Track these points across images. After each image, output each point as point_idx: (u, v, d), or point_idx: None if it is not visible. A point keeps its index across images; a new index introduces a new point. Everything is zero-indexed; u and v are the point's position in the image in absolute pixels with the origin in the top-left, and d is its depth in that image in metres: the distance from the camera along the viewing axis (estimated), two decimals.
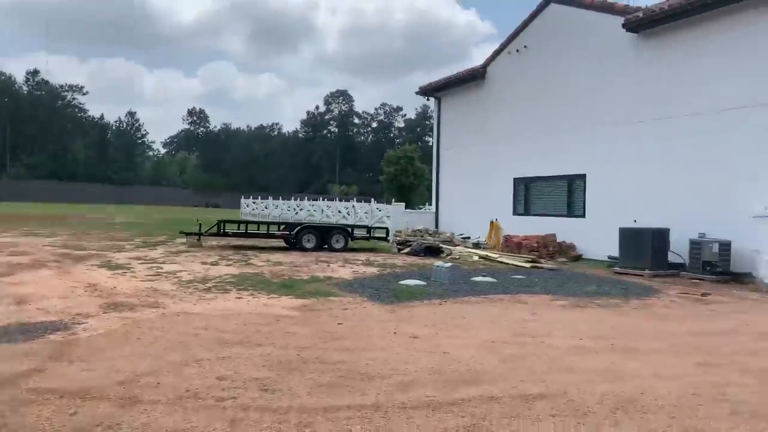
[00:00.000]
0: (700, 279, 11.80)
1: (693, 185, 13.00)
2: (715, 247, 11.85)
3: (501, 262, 14.52)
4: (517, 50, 18.48)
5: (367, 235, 18.56)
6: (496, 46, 19.94)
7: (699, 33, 13.10)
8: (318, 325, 6.84)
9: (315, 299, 8.57)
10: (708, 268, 11.91)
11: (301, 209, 33.41)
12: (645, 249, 12.63)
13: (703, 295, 10.05)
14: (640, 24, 14.08)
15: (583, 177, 16.13)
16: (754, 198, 11.51)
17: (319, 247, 16.70)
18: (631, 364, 5.46)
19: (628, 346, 6.22)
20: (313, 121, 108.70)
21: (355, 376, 4.84)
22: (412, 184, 59.94)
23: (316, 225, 19.21)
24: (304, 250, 16.41)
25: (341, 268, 12.66)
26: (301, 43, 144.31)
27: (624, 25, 14.33)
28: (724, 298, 9.85)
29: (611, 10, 15.17)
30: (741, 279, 11.56)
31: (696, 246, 12.22)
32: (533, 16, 18.01)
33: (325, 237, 17.04)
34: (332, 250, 16.72)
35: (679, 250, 12.71)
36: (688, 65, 13.31)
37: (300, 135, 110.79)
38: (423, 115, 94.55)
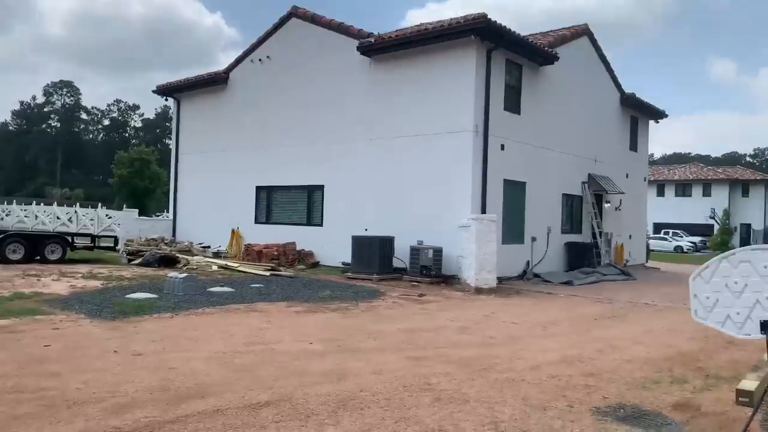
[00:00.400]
0: (418, 281, 13.27)
1: (415, 198, 14.57)
2: (430, 253, 13.48)
3: (241, 272, 14.39)
4: (260, 60, 18.58)
5: (92, 244, 16.80)
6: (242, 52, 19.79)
7: (418, 63, 14.79)
8: (18, 349, 5.90)
9: (17, 319, 7.39)
10: (425, 271, 13.47)
11: (7, 214, 28.63)
12: (374, 255, 13.76)
13: (420, 296, 11.33)
14: (372, 49, 15.33)
15: (321, 188, 16.89)
16: (459, 210, 13.38)
17: (29, 259, 14.56)
18: (354, 363, 5.84)
19: (352, 346, 6.67)
20: (29, 113, 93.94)
21: (61, 404, 4.28)
22: (148, 188, 55.94)
23: (25, 233, 16.65)
24: (8, 262, 14.15)
25: (55, 282, 11.16)
26: (15, 22, 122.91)
27: (358, 48, 15.45)
28: (437, 298, 11.23)
29: (347, 32, 16.20)
30: (450, 281, 13.32)
31: (415, 252, 13.72)
32: (276, 27, 18.30)
33: (37, 246, 14.93)
34: (46, 261, 14.71)
35: (402, 256, 14.13)
36: (409, 91, 14.90)
37: (11, 128, 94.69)
38: (164, 116, 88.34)
